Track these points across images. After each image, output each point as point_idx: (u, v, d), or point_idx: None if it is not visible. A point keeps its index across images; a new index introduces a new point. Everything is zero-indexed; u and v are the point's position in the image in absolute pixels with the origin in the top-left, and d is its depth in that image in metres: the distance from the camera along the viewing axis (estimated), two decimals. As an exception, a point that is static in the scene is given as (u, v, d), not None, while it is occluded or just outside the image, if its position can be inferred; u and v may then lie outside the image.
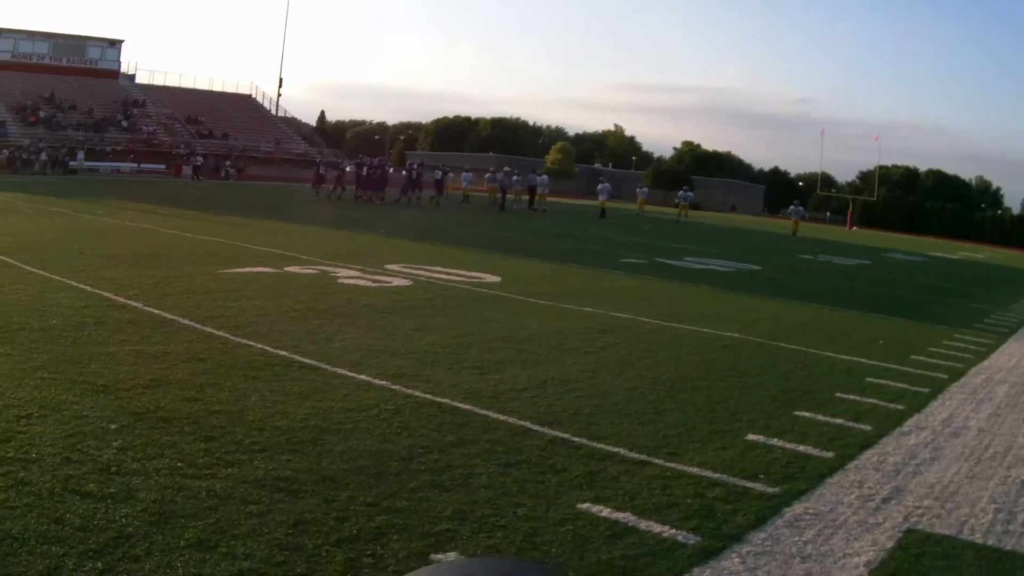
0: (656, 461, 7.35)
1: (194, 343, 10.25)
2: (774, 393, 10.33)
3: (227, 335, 10.85)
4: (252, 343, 10.51)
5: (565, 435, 7.86)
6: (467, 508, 5.97)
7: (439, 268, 19.45)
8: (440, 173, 59.97)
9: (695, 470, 7.24)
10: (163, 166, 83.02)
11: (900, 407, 10.17)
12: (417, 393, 8.80)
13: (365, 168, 56.95)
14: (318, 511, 5.70)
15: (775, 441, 8.27)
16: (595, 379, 10.18)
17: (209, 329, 11.11)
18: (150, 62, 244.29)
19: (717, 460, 7.56)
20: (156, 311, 12.03)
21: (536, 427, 8.02)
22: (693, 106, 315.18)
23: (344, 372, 9.45)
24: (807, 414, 9.38)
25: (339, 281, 16.33)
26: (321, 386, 8.78)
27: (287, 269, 17.38)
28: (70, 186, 49.20)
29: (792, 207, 66.12)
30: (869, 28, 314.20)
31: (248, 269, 17.03)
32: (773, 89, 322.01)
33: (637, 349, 12.32)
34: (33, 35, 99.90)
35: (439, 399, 8.65)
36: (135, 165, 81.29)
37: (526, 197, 62.11)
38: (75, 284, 13.78)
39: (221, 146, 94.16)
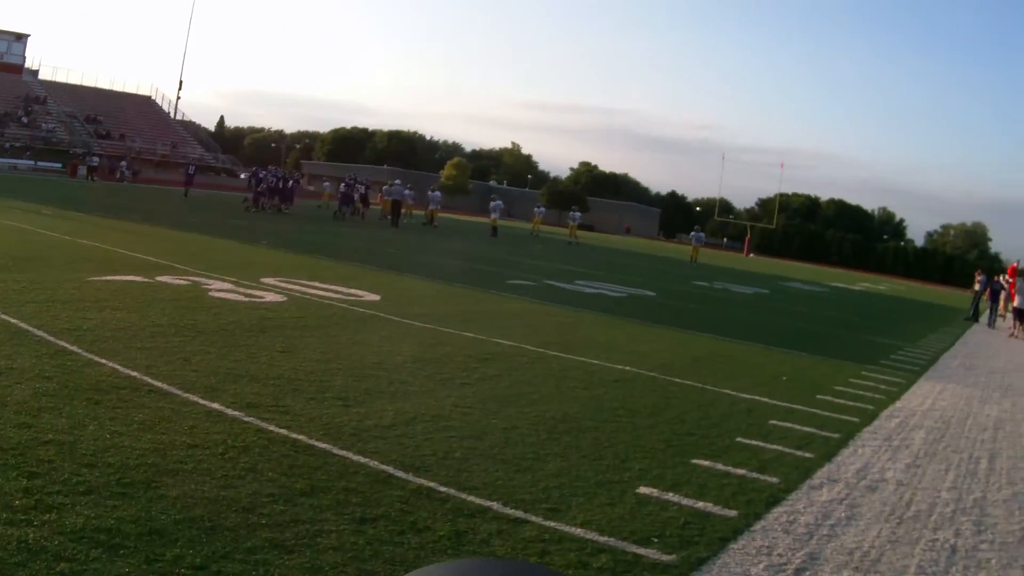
0: (534, 519, 6.58)
1: (43, 358, 9.42)
2: (668, 437, 9.55)
3: (80, 351, 10.03)
4: (104, 361, 9.68)
5: (432, 484, 7.07)
6: (308, 576, 5.17)
7: (317, 284, 18.64)
8: (363, 188, 58.98)
9: (579, 531, 6.48)
10: (60, 165, 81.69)
11: (808, 455, 9.51)
12: (271, 427, 7.98)
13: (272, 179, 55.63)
14: (136, 574, 4.91)
15: (670, 495, 7.50)
16: (470, 415, 9.35)
17: (63, 343, 10.29)
18: (54, 58, 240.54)
19: (604, 519, 6.78)
20: (12, 320, 11.22)
21: (400, 473, 7.22)
22: (595, 127, 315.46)
23: (196, 399, 8.62)
24: (706, 462, 8.62)
25: (210, 294, 15.51)
26: (168, 415, 7.96)
27: (159, 279, 16.53)
28: (-42, 182, 47.65)
29: (693, 233, 65.38)
30: (776, 56, 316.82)
31: (119, 277, 16.18)
32: (677, 114, 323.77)
33: (519, 381, 11.47)
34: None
35: (294, 435, 7.83)
36: (32, 163, 79.93)
37: (421, 212, 62.13)
38: (-71, 288, 13.01)
39: (118, 147, 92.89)
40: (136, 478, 6.30)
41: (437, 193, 63.53)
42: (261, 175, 54.17)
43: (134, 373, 9.27)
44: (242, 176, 65.88)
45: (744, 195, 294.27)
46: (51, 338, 10.43)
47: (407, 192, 60.08)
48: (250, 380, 9.61)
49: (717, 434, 9.91)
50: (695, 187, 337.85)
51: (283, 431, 7.87)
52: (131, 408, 7.96)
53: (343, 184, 58.82)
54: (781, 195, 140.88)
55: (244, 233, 33.01)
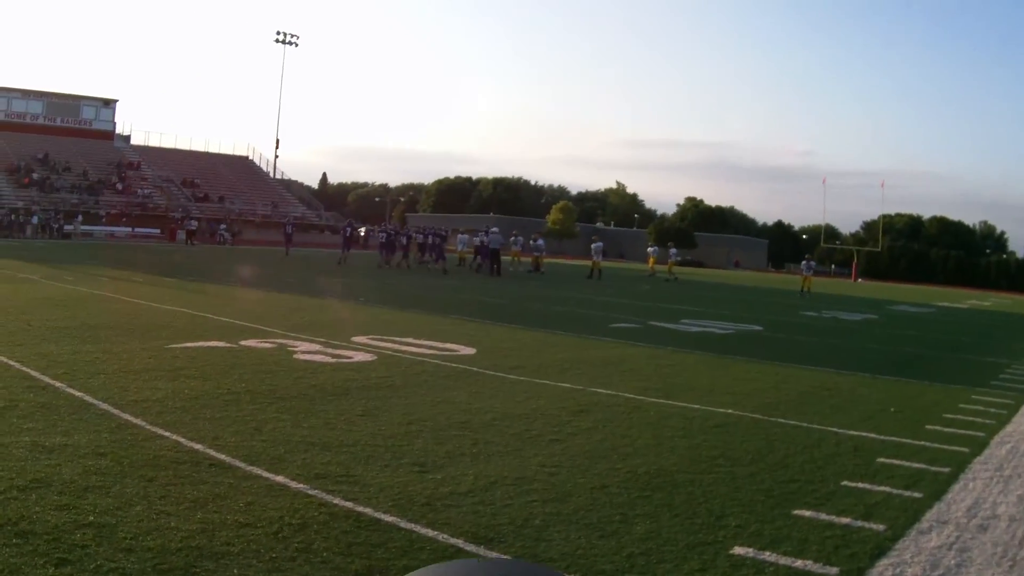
0: (615, 592, 5.88)
1: (102, 433, 8.95)
2: (769, 486, 8.78)
3: (144, 423, 9.55)
4: (167, 434, 9.19)
5: (504, 556, 6.40)
6: None
7: (411, 340, 18.05)
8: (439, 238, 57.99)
9: (663, 605, 5.77)
10: (158, 230, 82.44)
11: (917, 495, 8.69)
12: (335, 500, 7.36)
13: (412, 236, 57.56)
14: None
15: (767, 555, 6.77)
16: (556, 476, 8.67)
17: (127, 416, 9.82)
18: (145, 123, 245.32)
19: (692, 587, 6.10)
20: (78, 393, 10.81)
21: (470, 546, 6.55)
22: (696, 161, 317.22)
23: (259, 472, 8.05)
24: (808, 513, 7.86)
25: (295, 356, 15.01)
26: (224, 491, 7.38)
27: (243, 343, 16.11)
28: (54, 251, 48.45)
29: (804, 263, 64.16)
30: (872, 75, 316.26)
31: (200, 344, 15.74)
32: (777, 142, 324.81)
33: (614, 434, 10.74)
34: (27, 94, 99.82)
35: (359, 508, 7.20)
36: (129, 229, 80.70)
37: (527, 260, 61.53)
38: (2, 359, 12.74)
39: (217, 209, 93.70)
40: (175, 564, 5.75)
41: (541, 241, 63.11)
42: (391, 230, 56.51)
43: (198, 446, 8.77)
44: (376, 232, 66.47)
45: (848, 219, 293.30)
46: (115, 411, 10.00)
47: (512, 240, 59.89)
48: (322, 449, 9.05)
49: (821, 479, 9.16)
50: (800, 215, 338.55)
51: (348, 504, 7.27)
52: (186, 485, 7.43)
53: (382, 233, 59.51)
54: (884, 216, 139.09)
55: (340, 291, 32.71)
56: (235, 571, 5.75)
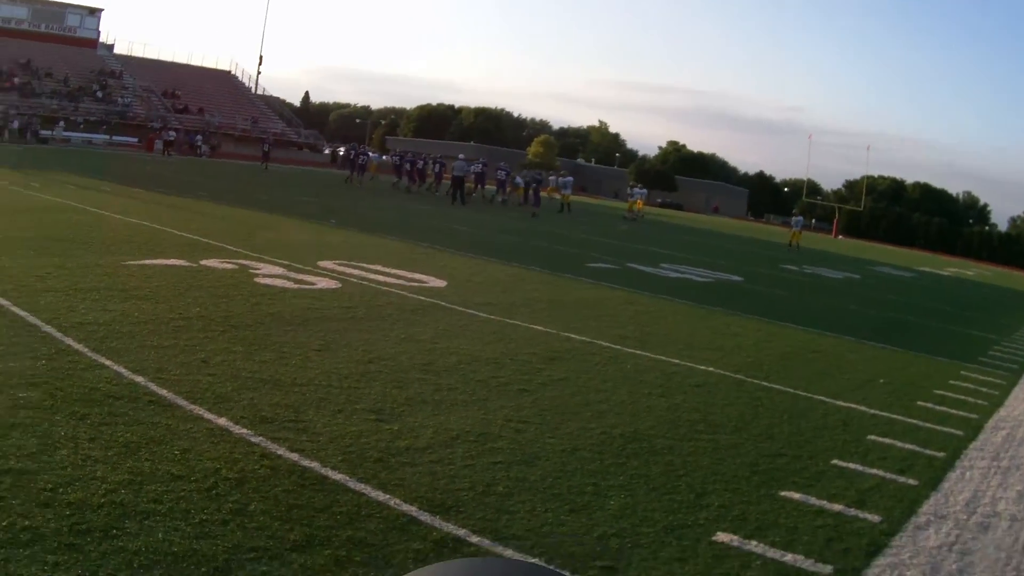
0: (583, 583, 5.26)
1: (39, 360, 8.29)
2: (754, 459, 8.14)
3: (85, 350, 8.90)
4: (109, 363, 8.53)
5: (461, 531, 5.78)
6: None
7: (379, 267, 17.39)
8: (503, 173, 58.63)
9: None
10: (136, 139, 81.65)
11: (912, 482, 8.08)
12: (280, 451, 6.70)
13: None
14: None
15: (753, 544, 6.14)
16: (524, 433, 7.99)
17: (69, 341, 9.16)
18: (130, 33, 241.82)
19: (670, 581, 5.47)
20: (23, 312, 10.16)
21: (425, 516, 5.92)
22: (683, 107, 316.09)
23: (201, 412, 7.40)
24: (797, 496, 7.21)
25: (255, 280, 14.34)
26: (160, 434, 6.73)
27: (203, 263, 15.40)
28: (28, 156, 47.44)
29: (794, 218, 63.80)
30: (866, 39, 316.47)
31: (159, 261, 15.07)
32: (766, 95, 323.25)
33: (587, 387, 10.06)
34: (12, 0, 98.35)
35: (305, 462, 6.55)
36: (107, 137, 79.86)
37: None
38: (-55, 272, 12.03)
39: (197, 122, 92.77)
40: (95, 523, 5.12)
41: (570, 178, 62.04)
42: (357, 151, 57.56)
43: (139, 379, 8.12)
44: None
45: (831, 177, 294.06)
46: (58, 334, 9.34)
47: (473, 168, 59.30)
48: (272, 387, 8.40)
49: (810, 455, 8.54)
50: (783, 168, 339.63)
51: (293, 456, 6.62)
52: (119, 425, 6.77)
53: (396, 157, 60.35)
54: (868, 177, 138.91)
55: (313, 211, 31.98)
56: (159, 535, 5.12)
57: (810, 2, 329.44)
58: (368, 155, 60.18)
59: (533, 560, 5.30)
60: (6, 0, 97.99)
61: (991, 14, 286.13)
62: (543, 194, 57.15)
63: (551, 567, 3.87)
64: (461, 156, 55.18)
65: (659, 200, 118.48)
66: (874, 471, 8.24)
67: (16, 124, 71.65)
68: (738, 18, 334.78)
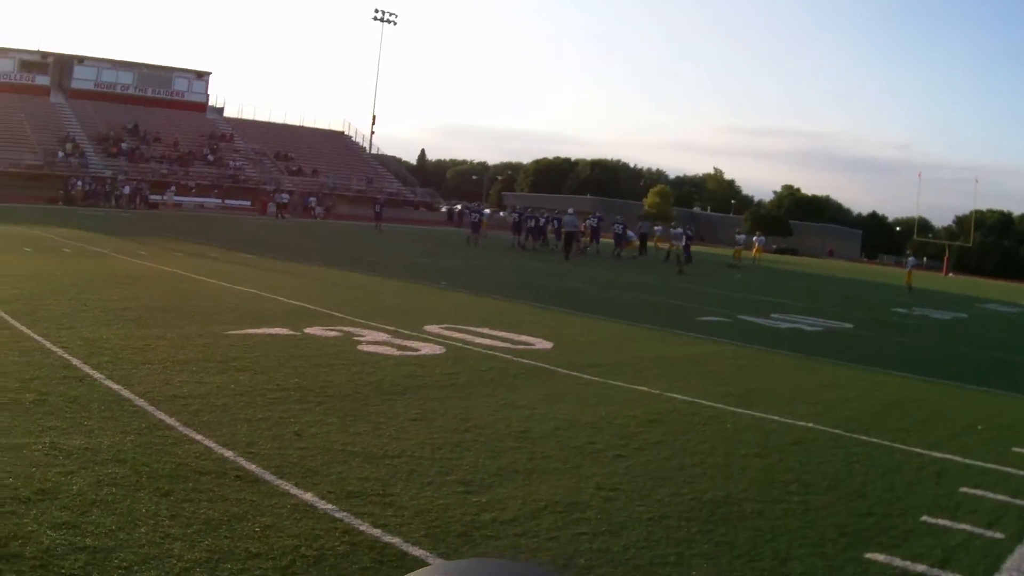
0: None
1: (128, 435, 8.35)
2: (844, 520, 7.93)
3: (177, 424, 8.96)
4: (200, 437, 8.58)
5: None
6: None
7: (487, 330, 17.33)
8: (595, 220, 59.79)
9: None
10: (248, 202, 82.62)
11: (998, 536, 7.85)
12: (363, 527, 6.65)
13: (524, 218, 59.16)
14: None
15: (834, 613, 5.99)
16: (613, 502, 7.86)
17: (160, 415, 9.23)
18: (238, 96, 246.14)
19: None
20: (115, 386, 10.25)
21: (501, 591, 5.81)
22: (794, 150, 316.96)
23: (287, 488, 7.37)
24: (881, 557, 7.04)
25: (358, 348, 14.32)
26: (243, 511, 6.72)
27: (307, 330, 15.48)
28: (136, 223, 48.30)
29: (908, 258, 63.64)
30: (969, 72, 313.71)
31: (262, 330, 15.17)
32: (875, 134, 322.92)
33: (683, 450, 9.94)
34: (117, 64, 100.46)
35: (387, 538, 6.48)
36: (220, 201, 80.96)
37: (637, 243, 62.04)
38: (46, 344, 12.29)
39: (311, 183, 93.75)
40: (167, 604, 5.11)
41: (680, 231, 61.13)
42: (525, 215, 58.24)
43: (228, 453, 8.16)
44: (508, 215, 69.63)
45: (941, 213, 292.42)
46: (150, 408, 9.43)
47: (589, 222, 59.55)
48: (363, 460, 8.38)
49: (900, 512, 8.34)
50: (894, 207, 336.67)
51: (376, 532, 6.56)
52: (203, 502, 6.79)
53: (515, 214, 60.53)
54: (976, 212, 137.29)
55: (424, 272, 32.09)
56: (227, 617, 5.08)
57: (910, 35, 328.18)
58: (481, 213, 60.32)
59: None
60: (110, 65, 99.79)
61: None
62: (650, 244, 57.41)
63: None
64: (571, 211, 55.16)
65: (774, 246, 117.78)
66: (963, 526, 8.04)
67: (127, 189, 72.75)
68: (846, 57, 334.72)
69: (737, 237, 67.65)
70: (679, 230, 60.37)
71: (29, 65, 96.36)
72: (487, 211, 62.64)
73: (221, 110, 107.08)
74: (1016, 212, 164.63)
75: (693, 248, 58.36)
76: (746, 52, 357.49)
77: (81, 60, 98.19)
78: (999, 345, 26.96)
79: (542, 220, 58.71)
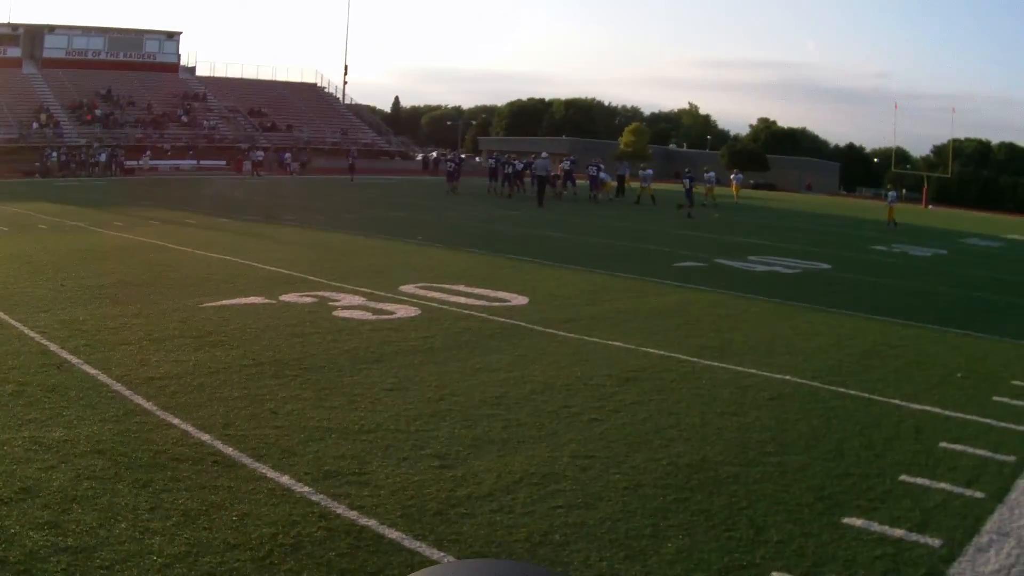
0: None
1: (107, 424, 8.42)
2: (821, 483, 7.94)
3: (154, 408, 9.03)
4: (177, 421, 8.64)
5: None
6: None
7: (462, 287, 17.41)
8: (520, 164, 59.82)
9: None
10: (224, 162, 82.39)
11: (979, 495, 7.85)
12: (339, 509, 6.70)
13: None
14: None
15: (810, 584, 6.04)
16: (589, 470, 7.90)
17: (138, 400, 9.28)
18: (210, 54, 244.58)
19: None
20: (93, 371, 10.32)
21: (476, 575, 5.86)
22: (771, 82, 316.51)
23: (264, 471, 7.43)
24: (859, 522, 7.04)
25: (334, 314, 14.36)
26: (221, 499, 6.78)
27: (282, 298, 15.52)
28: (113, 190, 48.22)
29: (889, 192, 62.75)
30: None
31: (238, 300, 15.20)
32: (851, 63, 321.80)
33: (659, 411, 9.93)
34: (88, 30, 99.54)
35: (363, 521, 6.53)
36: (195, 162, 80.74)
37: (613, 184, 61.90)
38: (24, 330, 12.30)
39: (285, 139, 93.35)
40: (148, 604, 5.16)
41: (650, 171, 62.01)
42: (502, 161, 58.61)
43: (205, 437, 8.22)
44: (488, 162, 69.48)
45: (919, 142, 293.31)
46: (127, 392, 9.50)
47: (563, 165, 59.63)
48: (339, 436, 8.43)
49: (877, 472, 8.34)
50: (872, 137, 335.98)
51: (352, 515, 6.60)
52: (181, 491, 6.83)
53: (491, 160, 61.09)
54: (954, 141, 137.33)
55: (400, 228, 31.95)
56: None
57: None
58: (458, 161, 60.74)
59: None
60: (81, 32, 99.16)
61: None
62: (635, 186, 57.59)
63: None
64: (543, 154, 54.72)
65: (752, 182, 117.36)
66: (942, 485, 8.04)
67: (103, 157, 72.38)
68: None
69: (706, 176, 67.45)
70: (649, 171, 60.84)
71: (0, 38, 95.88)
72: (463, 156, 62.30)
73: (193, 69, 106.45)
74: (994, 141, 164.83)
75: (662, 186, 58.44)
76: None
77: (52, 29, 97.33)
78: (980, 284, 26.84)
79: (520, 166, 58.87)
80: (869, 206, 74.27)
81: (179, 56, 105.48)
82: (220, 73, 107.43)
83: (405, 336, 13.02)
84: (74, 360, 10.81)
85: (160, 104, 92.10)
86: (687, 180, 51.46)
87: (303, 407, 9.34)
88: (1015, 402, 11.32)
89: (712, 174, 65.43)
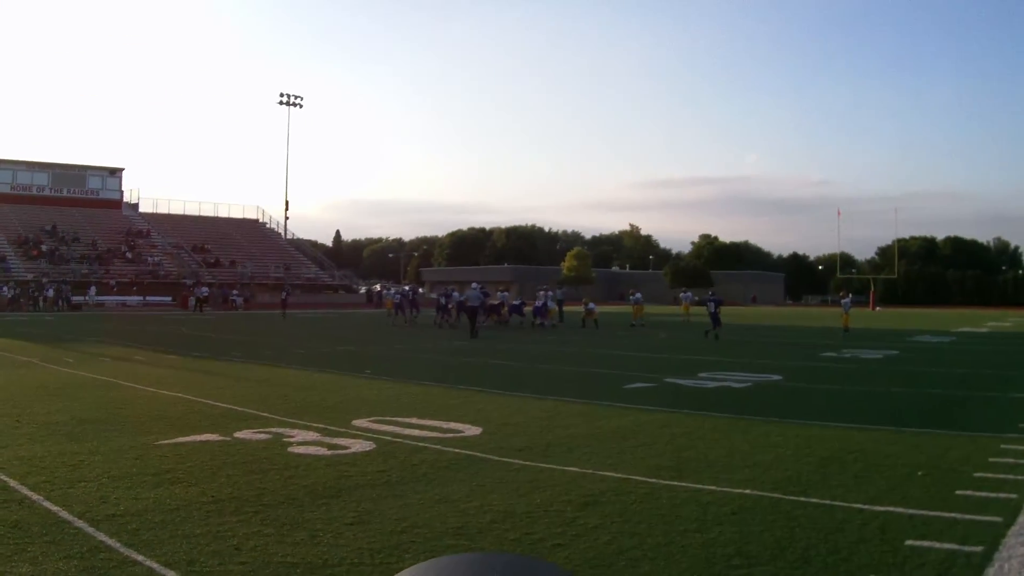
0: None
1: (72, 560, 8.40)
2: None
3: (118, 544, 8.98)
4: (141, 558, 8.58)
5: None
6: None
7: (415, 420, 17.38)
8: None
9: None
10: (170, 298, 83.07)
11: None
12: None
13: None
14: None
15: None
16: (554, 601, 7.85)
17: (101, 536, 9.25)
18: (153, 190, 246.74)
19: None
20: (54, 508, 10.35)
21: None
22: (711, 198, 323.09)
23: (224, 617, 7.29)
24: None
25: (289, 450, 14.35)
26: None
27: (237, 435, 15.51)
28: (61, 326, 48.49)
29: (844, 299, 63.81)
30: (883, 104, 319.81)
31: (192, 438, 15.21)
32: (792, 173, 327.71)
33: (622, 533, 9.89)
34: (32, 166, 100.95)
35: None
36: (141, 298, 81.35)
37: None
38: (-17, 469, 12.24)
39: (229, 274, 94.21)
40: None
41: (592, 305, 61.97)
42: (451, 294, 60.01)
43: (171, 574, 8.17)
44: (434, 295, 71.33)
45: (863, 246, 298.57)
46: (90, 529, 9.47)
47: (502, 296, 60.86)
48: (304, 571, 8.37)
49: (846, 574, 8.41)
50: (814, 244, 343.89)
51: None
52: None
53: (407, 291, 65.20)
54: (899, 240, 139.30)
55: (348, 362, 32.11)
56: None
57: (823, 72, 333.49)
58: (383, 293, 62.86)
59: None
60: (25, 167, 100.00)
61: (997, 51, 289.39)
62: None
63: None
64: (475, 285, 54.95)
65: (697, 298, 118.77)
66: (910, 583, 8.02)
67: (50, 292, 72.74)
68: (757, 99, 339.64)
69: (631, 297, 68.38)
70: (638, 295, 62.68)
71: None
72: (455, 293, 62.25)
73: (136, 206, 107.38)
74: (940, 236, 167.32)
75: (607, 309, 58.84)
76: (650, 103, 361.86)
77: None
78: (934, 380, 27.12)
79: (459, 297, 59.44)
80: (814, 314, 74.73)
81: (122, 192, 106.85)
82: (163, 209, 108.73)
83: (362, 470, 12.99)
84: (35, 496, 10.82)
85: (105, 240, 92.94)
86: (712, 304, 50.44)
87: (266, 543, 9.30)
88: (979, 494, 11.43)
89: (639, 295, 66.21)
